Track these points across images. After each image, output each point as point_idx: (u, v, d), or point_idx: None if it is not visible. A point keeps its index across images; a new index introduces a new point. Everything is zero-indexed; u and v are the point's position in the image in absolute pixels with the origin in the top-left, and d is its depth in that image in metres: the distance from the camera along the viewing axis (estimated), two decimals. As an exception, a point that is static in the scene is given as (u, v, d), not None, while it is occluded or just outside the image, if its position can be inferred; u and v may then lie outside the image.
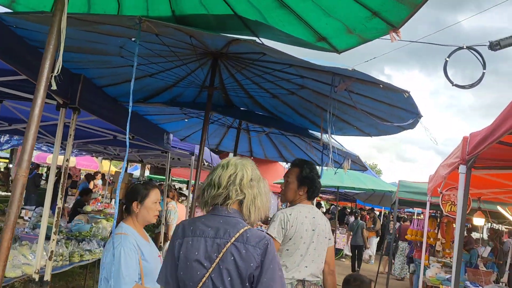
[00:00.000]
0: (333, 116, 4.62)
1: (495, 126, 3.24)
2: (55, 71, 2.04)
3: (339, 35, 2.93)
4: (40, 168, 17.95)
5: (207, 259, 1.99)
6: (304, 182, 3.46)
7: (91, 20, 2.82)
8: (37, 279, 4.17)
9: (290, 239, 3.26)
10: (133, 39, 3.68)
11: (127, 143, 2.73)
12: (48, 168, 17.92)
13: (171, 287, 2.08)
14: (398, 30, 2.53)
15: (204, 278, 1.97)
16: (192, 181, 10.34)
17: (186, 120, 6.65)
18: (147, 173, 22.27)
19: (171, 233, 8.44)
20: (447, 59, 7.22)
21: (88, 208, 9.67)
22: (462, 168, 4.23)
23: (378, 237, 16.26)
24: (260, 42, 3.38)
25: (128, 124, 2.68)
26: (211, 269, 1.97)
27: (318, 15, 2.77)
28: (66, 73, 4.31)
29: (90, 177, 15.51)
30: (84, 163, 18.10)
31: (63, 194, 4.41)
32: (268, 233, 3.10)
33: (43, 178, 17.43)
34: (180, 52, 4.06)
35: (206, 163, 9.30)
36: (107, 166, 18.30)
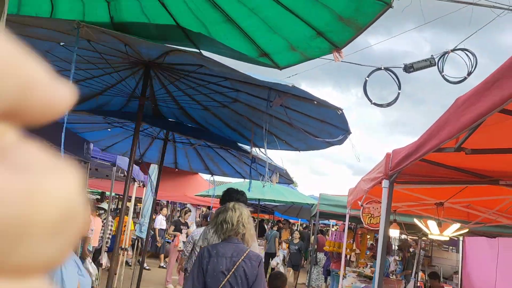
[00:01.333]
0: (264, 130, 4.70)
1: (419, 144, 3.48)
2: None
3: (282, 52, 3.00)
4: None
5: (227, 270, 3.24)
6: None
7: (26, 23, 2.63)
8: None
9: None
10: (61, 44, 3.48)
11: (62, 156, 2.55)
12: None
13: None
14: (341, 50, 2.64)
15: (224, 281, 3.21)
16: (114, 193, 9.94)
17: (109, 130, 6.39)
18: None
19: (86, 246, 7.99)
20: (367, 78, 7.65)
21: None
22: (385, 183, 4.47)
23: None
24: (201, 54, 3.36)
25: (63, 137, 2.52)
26: (229, 276, 3.22)
27: (263, 31, 2.81)
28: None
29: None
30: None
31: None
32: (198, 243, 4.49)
33: None
34: (111, 59, 3.91)
35: (121, 175, 8.99)
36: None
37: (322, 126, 4.31)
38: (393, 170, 4.31)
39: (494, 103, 2.21)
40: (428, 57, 7.84)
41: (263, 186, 5.77)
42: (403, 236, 15.79)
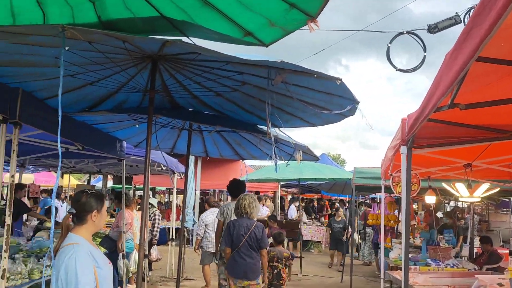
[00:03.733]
0: (277, 109, 4.71)
1: (423, 105, 3.39)
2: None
3: (263, 29, 3.00)
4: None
5: (244, 233, 5.57)
6: (229, 191, 6.90)
7: (13, 31, 2.78)
8: (-10, 299, 4.07)
9: (225, 218, 6.36)
10: (66, 48, 3.64)
11: (60, 152, 2.70)
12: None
13: (229, 245, 5.61)
14: (316, 20, 2.61)
15: (244, 240, 5.55)
16: (161, 187, 10.30)
17: (137, 126, 6.61)
18: (110, 183, 21.92)
19: (136, 240, 8.32)
20: (389, 45, 7.45)
21: (49, 223, 9.45)
22: (403, 149, 4.39)
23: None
24: (192, 42, 3.41)
25: (59, 132, 2.66)
26: (246, 236, 5.56)
27: (240, 10, 2.82)
28: (3, 88, 4.22)
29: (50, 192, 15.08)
30: (43, 179, 17.60)
31: (11, 210, 4.33)
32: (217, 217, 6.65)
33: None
34: (117, 58, 4.04)
35: (164, 167, 9.25)
36: (70, 180, 17.85)
37: (331, 99, 4.28)
38: (408, 135, 4.23)
39: (469, 53, 2.13)
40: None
41: (286, 165, 5.79)
42: (452, 203, 15.32)
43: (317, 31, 2.97)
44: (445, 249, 8.83)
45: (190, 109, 5.70)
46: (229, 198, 7.13)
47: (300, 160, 5.78)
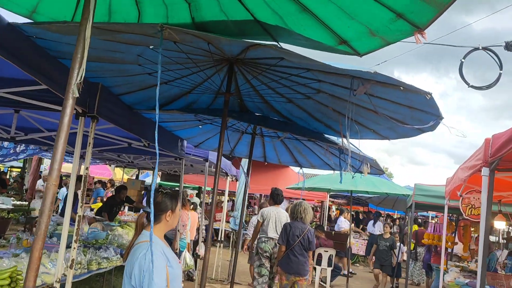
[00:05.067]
0: (350, 120, 4.60)
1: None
2: (78, 78, 2.03)
3: (361, 38, 2.90)
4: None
5: (299, 235, 6.30)
6: (271, 198, 7.69)
7: (114, 29, 2.82)
8: (58, 288, 4.17)
9: (265, 220, 7.41)
10: (151, 47, 3.67)
11: (157, 153, 2.71)
12: (61, 177, 17.78)
13: (285, 244, 6.33)
14: (424, 31, 2.49)
15: (298, 240, 6.26)
16: (208, 188, 10.35)
17: (200, 126, 6.64)
18: (158, 180, 22.27)
19: (188, 239, 8.40)
20: (463, 60, 7.17)
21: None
22: (485, 171, 4.17)
23: None
24: (280, 46, 3.37)
25: (156, 134, 2.66)
26: (300, 238, 6.28)
27: (340, 18, 2.74)
28: (84, 82, 4.32)
29: (103, 185, 15.55)
30: (97, 171, 18.16)
31: (83, 202, 4.42)
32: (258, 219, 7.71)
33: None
34: (197, 58, 4.05)
35: (214, 170, 9.26)
36: (120, 174, 18.31)
37: (411, 113, 4.13)
38: (493, 156, 4.01)
39: None
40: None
41: (352, 177, 5.65)
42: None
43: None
44: (506, 276, 8.38)
45: (257, 113, 5.68)
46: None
47: (368, 173, 5.63)
